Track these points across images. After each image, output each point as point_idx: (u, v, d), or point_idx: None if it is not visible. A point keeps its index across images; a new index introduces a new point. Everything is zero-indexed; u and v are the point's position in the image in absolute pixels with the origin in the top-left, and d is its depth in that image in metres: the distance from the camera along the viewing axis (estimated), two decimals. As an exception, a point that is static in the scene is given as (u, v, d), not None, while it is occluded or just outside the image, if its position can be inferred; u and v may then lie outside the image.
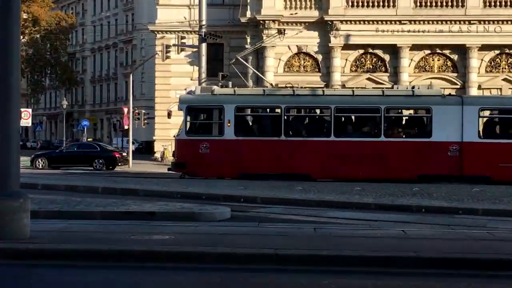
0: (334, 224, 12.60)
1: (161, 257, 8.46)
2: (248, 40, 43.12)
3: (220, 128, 25.17)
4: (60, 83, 73.08)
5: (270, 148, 24.86)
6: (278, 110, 25.04)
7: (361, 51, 43.50)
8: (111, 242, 9.12)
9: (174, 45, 39.59)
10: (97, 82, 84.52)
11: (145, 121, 43.50)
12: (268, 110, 25.99)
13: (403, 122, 26.12)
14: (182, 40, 40.07)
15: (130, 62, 75.32)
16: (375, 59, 43.83)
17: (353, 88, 28.50)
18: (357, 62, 43.85)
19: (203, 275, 7.96)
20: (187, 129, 25.59)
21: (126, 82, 70.46)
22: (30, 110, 43.94)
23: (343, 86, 26.34)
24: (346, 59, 43.41)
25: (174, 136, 27.64)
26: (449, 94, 27.17)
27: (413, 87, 26.28)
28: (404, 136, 25.31)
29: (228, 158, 24.70)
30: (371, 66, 43.85)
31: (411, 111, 26.52)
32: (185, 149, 25.58)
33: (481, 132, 24.57)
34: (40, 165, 35.74)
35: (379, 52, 43.47)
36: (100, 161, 35.76)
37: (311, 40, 43.12)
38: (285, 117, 25.01)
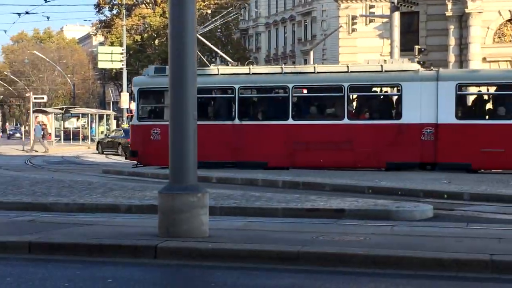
0: None
1: (354, 261, 8.56)
2: (449, 7, 42.11)
3: None
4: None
5: (224, 133, 25.56)
6: (232, 91, 25.63)
7: None
8: (297, 242, 9.36)
9: (361, 15, 39.51)
10: (273, 61, 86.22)
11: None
12: (221, 91, 26.67)
13: (369, 102, 26.05)
14: (371, 10, 39.79)
15: (309, 37, 76.21)
16: None
17: (315, 65, 28.28)
18: None
19: (402, 283, 7.96)
20: (139, 113, 26.80)
21: (305, 60, 71.43)
22: (200, 94, 45.80)
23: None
24: None
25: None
26: (430, 69, 26.09)
27: (384, 61, 26.36)
28: (370, 118, 25.30)
29: None
30: None
31: (378, 89, 26.21)
32: (137, 135, 26.79)
33: (459, 112, 24.11)
34: (100, 150, 43.95)
35: None
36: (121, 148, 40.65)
37: (529, 3, 41.30)
38: (239, 99, 25.64)
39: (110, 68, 62.11)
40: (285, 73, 25.73)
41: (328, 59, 65.42)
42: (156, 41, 69.63)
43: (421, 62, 28.09)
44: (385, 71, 24.75)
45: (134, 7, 71.65)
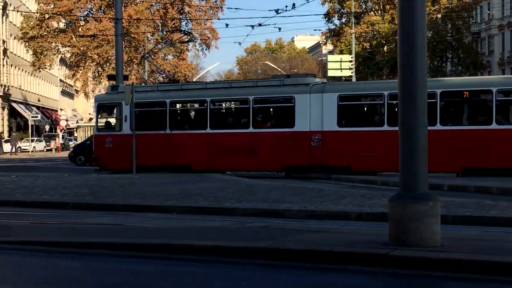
0: None
1: None
2: None
3: (120, 124, 31.08)
4: (464, 68, 73.29)
5: (158, 141, 30.14)
6: (164, 105, 30.21)
7: None
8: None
9: None
10: (507, 65, 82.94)
11: None
12: (157, 105, 30.82)
13: (269, 112, 29.53)
14: None
15: (546, 38, 72.43)
16: None
17: (232, 80, 31.58)
18: None
19: None
20: (98, 125, 32.27)
21: (542, 63, 67.95)
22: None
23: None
24: None
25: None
26: (323, 83, 29.44)
27: (288, 76, 30.17)
28: (269, 127, 28.68)
29: (125, 151, 29.70)
30: None
31: (276, 101, 29.19)
32: (97, 144, 32.00)
33: (340, 120, 27.03)
34: None
35: None
36: None
37: None
38: (170, 111, 30.26)
39: (339, 76, 62.60)
40: (206, 88, 30.19)
41: None
42: (385, 48, 69.35)
43: None
44: (284, 85, 28.20)
45: (363, 15, 71.82)
